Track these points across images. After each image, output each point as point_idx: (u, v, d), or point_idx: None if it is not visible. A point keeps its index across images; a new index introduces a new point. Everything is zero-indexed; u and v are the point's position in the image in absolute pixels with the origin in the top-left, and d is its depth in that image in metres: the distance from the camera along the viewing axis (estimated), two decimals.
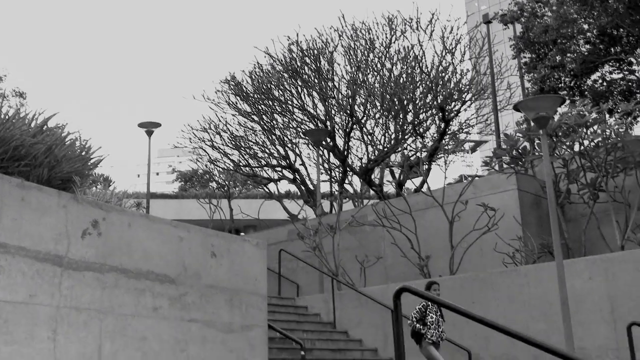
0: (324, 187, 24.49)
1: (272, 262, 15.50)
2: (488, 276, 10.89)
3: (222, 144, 23.37)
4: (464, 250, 13.01)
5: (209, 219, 25.02)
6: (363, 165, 21.71)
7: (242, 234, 28.70)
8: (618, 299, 9.22)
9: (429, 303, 8.90)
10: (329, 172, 23.01)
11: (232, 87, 23.32)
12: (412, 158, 21.38)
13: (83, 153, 6.14)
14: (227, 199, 25.88)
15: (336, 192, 21.59)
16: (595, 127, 12.38)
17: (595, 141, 12.53)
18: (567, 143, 12.86)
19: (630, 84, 22.35)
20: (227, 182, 26.32)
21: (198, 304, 6.48)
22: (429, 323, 8.89)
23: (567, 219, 13.83)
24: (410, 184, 21.64)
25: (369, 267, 14.83)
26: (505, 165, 14.74)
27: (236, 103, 23.26)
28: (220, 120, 23.35)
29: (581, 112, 12.47)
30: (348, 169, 22.01)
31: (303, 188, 22.67)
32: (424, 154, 20.83)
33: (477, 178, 14.98)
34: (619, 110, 19.30)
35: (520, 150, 13.38)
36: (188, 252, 6.47)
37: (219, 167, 24.34)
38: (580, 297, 9.43)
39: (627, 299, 9.13)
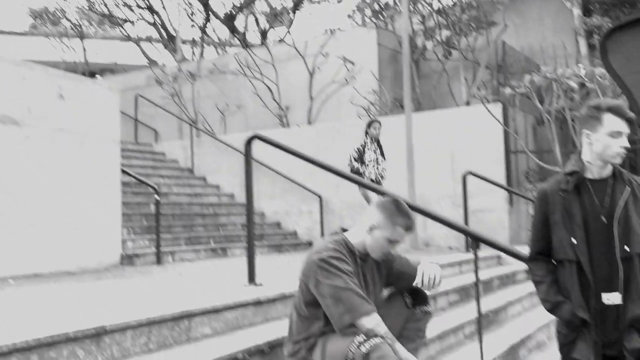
0: (185, 33, 23.56)
1: (129, 108, 15.07)
2: (343, 127, 11.30)
3: None
4: (323, 102, 13.33)
5: (60, 61, 23.49)
6: (227, 12, 20.99)
7: (98, 76, 27.29)
8: (458, 151, 9.98)
9: (367, 142, 8.74)
10: (190, 17, 22.07)
11: None
12: (277, 7, 20.92)
13: None
14: (80, 38, 24.25)
15: (198, 38, 20.89)
16: None
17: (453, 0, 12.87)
18: (427, 0, 13.11)
19: None
20: (80, 21, 24.53)
21: (46, 146, 6.26)
22: (367, 162, 8.67)
23: (421, 75, 14.43)
24: (274, 34, 21.35)
25: (230, 116, 14.86)
26: (367, 20, 14.87)
27: None
28: None
29: None
30: (211, 14, 21.21)
31: (163, 32, 21.70)
32: (289, 3, 20.43)
33: (339, 31, 15.04)
34: None
35: (382, 5, 13.48)
36: (32, 93, 6.14)
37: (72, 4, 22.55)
38: (426, 148, 10.09)
39: (466, 151, 9.91)
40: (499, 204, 9.67)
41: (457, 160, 9.83)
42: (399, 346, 3.00)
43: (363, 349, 2.80)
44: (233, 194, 11.79)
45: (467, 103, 12.66)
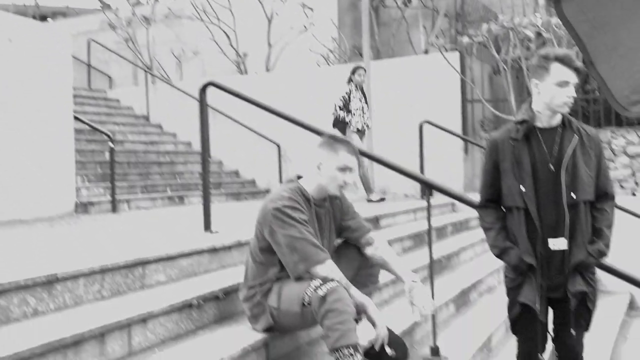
0: None
1: (81, 53, 14.64)
2: (301, 74, 11.21)
3: None
4: (281, 49, 13.16)
5: (9, 4, 22.57)
6: None
7: (49, 20, 26.35)
8: (416, 99, 10.02)
9: (352, 89, 8.50)
10: None
11: None
12: None
13: None
14: None
15: None
16: None
17: None
18: None
19: None
20: None
21: None
22: (353, 110, 8.45)
23: (380, 23, 14.32)
24: None
25: (186, 63, 14.57)
26: None
27: None
28: None
29: None
30: None
31: None
32: None
33: None
34: None
35: None
36: None
37: None
38: (385, 97, 10.09)
39: (424, 99, 9.95)
40: (455, 152, 9.80)
41: (415, 108, 9.87)
42: (354, 290, 3.07)
43: (320, 292, 2.85)
44: (190, 142, 11.67)
45: (426, 52, 12.65)
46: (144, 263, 3.46)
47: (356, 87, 8.59)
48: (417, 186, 9.35)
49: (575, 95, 3.03)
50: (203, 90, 4.84)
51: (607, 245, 3.05)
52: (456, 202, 7.72)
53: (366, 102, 8.66)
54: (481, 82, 10.94)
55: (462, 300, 5.21)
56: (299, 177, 3.33)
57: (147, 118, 12.31)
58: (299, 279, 3.04)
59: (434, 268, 5.56)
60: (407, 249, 6.02)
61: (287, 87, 10.99)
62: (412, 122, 9.20)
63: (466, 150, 9.93)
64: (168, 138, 11.81)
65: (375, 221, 6.35)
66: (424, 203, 7.60)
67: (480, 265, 6.23)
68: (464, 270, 6.00)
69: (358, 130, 8.48)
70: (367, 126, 8.62)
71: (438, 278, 5.47)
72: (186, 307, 3.20)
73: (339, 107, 8.51)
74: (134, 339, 2.88)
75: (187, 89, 11.63)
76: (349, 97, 8.50)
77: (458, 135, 9.32)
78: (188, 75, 14.41)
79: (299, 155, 10.71)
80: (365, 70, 8.71)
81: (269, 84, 11.22)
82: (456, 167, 9.81)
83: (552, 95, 3.01)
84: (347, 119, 8.45)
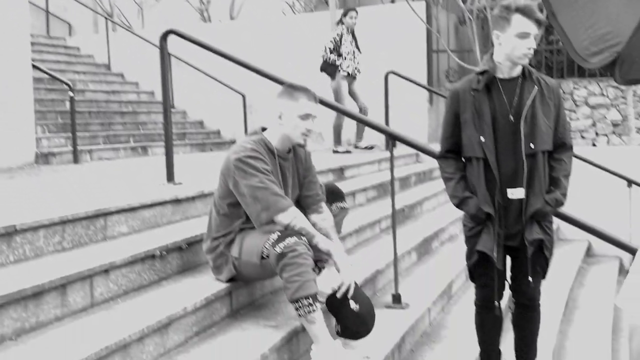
0: None
1: None
2: (266, 23, 11.03)
3: None
4: None
5: None
6: None
7: None
8: (382, 49, 9.95)
9: (343, 32, 8.20)
10: None
11: None
12: None
13: None
14: None
15: None
16: None
17: None
18: None
19: None
20: None
21: None
22: (344, 54, 8.18)
23: None
24: None
25: (148, 10, 14.21)
26: None
27: None
28: None
29: None
30: None
31: None
32: None
33: None
34: None
35: None
36: None
37: None
38: None
39: (390, 49, 9.90)
40: (420, 103, 9.83)
41: (381, 58, 9.82)
42: (319, 238, 3.09)
43: (278, 249, 2.86)
44: (153, 92, 11.47)
45: (392, 1, 12.53)
46: (105, 214, 3.43)
47: (347, 30, 8.33)
48: (382, 137, 9.39)
49: (535, 47, 3.04)
50: (164, 38, 4.73)
51: (564, 195, 3.12)
52: (421, 152, 7.78)
53: (357, 47, 8.41)
54: (447, 32, 10.91)
55: (424, 248, 5.30)
56: (264, 129, 3.31)
57: (108, 67, 12.03)
58: (263, 229, 3.05)
59: (398, 217, 5.65)
60: (371, 199, 6.08)
61: (251, 36, 10.81)
62: (378, 72, 9.16)
63: (431, 101, 9.96)
64: (130, 87, 11.59)
65: (340, 172, 6.38)
66: (389, 154, 7.65)
67: (443, 214, 6.33)
68: (426, 220, 6.10)
69: (348, 74, 8.26)
70: (358, 71, 8.39)
71: (401, 227, 5.56)
72: (149, 258, 3.20)
73: (329, 50, 8.20)
74: (96, 290, 2.88)
75: (149, 37, 11.36)
76: (340, 40, 8.20)
77: (423, 86, 9.33)
78: (150, 23, 14.07)
79: (265, 106, 10.62)
80: (357, 13, 8.39)
81: (233, 32, 11.02)
82: (421, 118, 9.86)
83: (513, 46, 3.02)
84: (337, 62, 8.20)
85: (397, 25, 9.93)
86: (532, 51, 3.03)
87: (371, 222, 5.15)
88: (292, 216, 3.02)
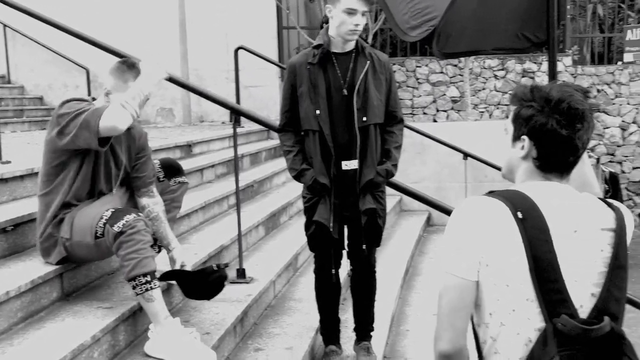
0: None
1: None
2: None
3: None
4: None
5: None
6: None
7: None
8: (233, 25, 9.83)
9: None
10: None
11: None
12: None
13: None
14: None
15: None
16: None
17: None
18: None
19: None
20: None
21: None
22: None
23: None
24: None
25: None
26: None
27: None
28: None
29: None
30: None
31: None
32: None
33: None
34: None
35: None
36: None
37: None
38: (200, 22, 9.79)
39: (241, 26, 9.80)
40: (271, 80, 9.84)
41: (232, 34, 9.70)
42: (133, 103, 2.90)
43: (116, 228, 2.75)
44: None
45: None
46: None
47: None
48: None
49: (362, 24, 3.13)
50: None
51: (395, 166, 3.27)
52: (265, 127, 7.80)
53: None
54: (297, 8, 10.97)
55: (272, 223, 5.35)
56: (94, 99, 3.18)
57: None
58: (95, 205, 2.94)
59: (247, 193, 5.66)
60: (220, 175, 6.03)
61: (92, 5, 10.26)
62: (228, 48, 9.06)
63: (282, 77, 10.01)
64: None
65: (188, 148, 6.26)
66: (239, 130, 7.62)
67: (292, 189, 6.40)
68: (275, 195, 6.16)
69: None
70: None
71: (251, 203, 5.58)
72: None
73: None
74: None
75: None
76: None
77: (273, 62, 9.34)
78: None
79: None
80: None
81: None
82: (272, 94, 9.87)
83: (341, 21, 3.09)
84: None
85: (248, 1, 9.84)
86: (360, 28, 3.11)
87: (218, 198, 5.11)
88: (117, 108, 2.85)
